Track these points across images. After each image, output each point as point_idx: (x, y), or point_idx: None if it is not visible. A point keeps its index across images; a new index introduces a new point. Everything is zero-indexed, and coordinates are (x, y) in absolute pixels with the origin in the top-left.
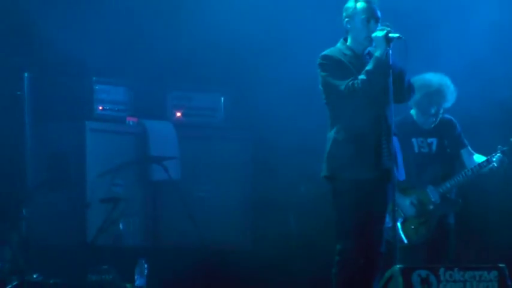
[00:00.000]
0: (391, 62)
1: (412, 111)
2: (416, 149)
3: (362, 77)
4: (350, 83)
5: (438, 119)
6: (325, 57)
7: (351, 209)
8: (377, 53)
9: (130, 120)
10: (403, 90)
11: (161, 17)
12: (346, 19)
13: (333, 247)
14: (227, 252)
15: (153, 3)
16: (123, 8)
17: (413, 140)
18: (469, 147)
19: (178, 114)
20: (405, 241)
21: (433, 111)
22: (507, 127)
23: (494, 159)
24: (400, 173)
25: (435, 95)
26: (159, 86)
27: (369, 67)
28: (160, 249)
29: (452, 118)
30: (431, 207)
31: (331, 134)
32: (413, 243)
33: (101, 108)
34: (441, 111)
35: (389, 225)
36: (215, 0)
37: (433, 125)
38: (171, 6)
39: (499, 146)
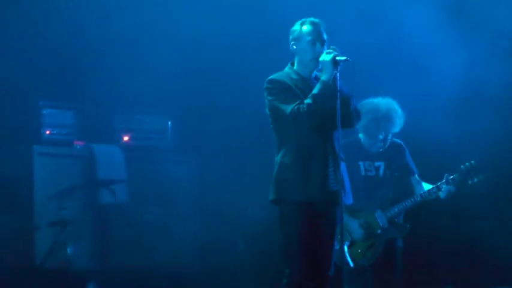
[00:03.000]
0: (338, 86)
1: (360, 135)
2: (363, 172)
3: (308, 101)
4: (296, 107)
5: (387, 144)
6: (272, 81)
7: (299, 232)
8: (323, 77)
9: (78, 143)
10: (350, 115)
11: (110, 40)
12: (292, 42)
13: (281, 270)
14: (176, 274)
15: (102, 27)
16: (70, 31)
17: (360, 163)
18: (417, 176)
19: (126, 138)
20: (351, 264)
21: (380, 137)
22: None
23: (443, 188)
24: (348, 198)
25: (383, 120)
26: (107, 110)
27: (315, 91)
28: (109, 272)
29: (401, 143)
30: (379, 231)
31: (278, 157)
32: (360, 266)
33: (48, 132)
34: (389, 136)
35: (337, 247)
36: (166, 24)
37: (381, 149)
38: (121, 30)
39: (446, 174)
